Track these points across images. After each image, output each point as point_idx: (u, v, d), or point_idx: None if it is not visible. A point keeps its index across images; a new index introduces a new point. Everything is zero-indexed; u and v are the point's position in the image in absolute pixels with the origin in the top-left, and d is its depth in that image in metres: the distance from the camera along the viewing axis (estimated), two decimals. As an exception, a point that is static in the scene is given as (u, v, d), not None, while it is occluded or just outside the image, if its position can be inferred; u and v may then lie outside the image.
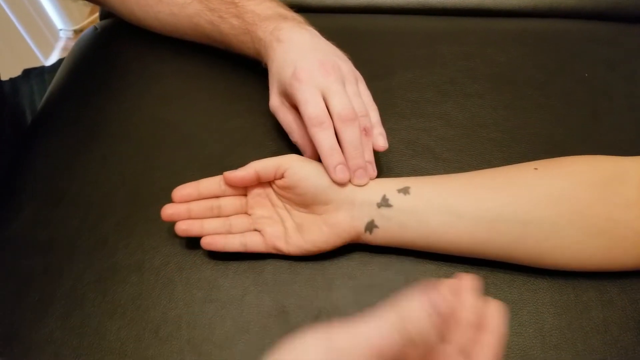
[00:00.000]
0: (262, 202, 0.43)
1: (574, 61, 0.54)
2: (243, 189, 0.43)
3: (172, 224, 0.43)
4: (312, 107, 0.41)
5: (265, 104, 0.53)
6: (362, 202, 0.40)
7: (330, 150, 0.40)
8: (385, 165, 0.47)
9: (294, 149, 0.47)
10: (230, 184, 0.42)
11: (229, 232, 0.42)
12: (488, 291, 0.40)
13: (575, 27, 0.57)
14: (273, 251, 0.42)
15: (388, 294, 0.40)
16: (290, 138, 0.47)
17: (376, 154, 0.46)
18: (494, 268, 0.41)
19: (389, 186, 0.41)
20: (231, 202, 0.43)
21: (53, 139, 0.53)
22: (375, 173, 0.42)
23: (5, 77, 0.66)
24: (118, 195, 0.47)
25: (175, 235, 0.44)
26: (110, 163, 0.50)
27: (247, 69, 0.56)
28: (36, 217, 0.47)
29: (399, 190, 0.40)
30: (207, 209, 0.43)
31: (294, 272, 0.42)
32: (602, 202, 0.38)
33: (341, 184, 0.40)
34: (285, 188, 0.41)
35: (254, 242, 0.42)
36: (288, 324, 0.39)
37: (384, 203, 0.40)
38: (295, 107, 0.45)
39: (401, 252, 0.42)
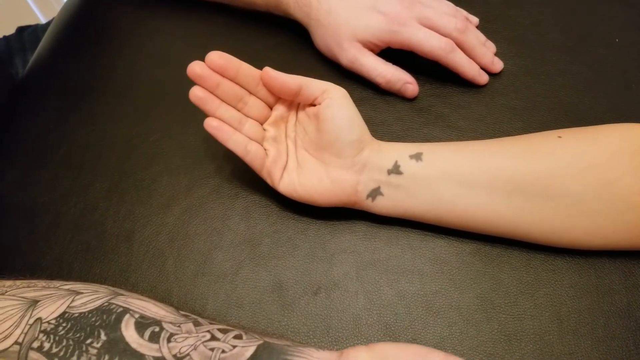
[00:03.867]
0: (278, 125, 0.40)
1: (604, 25, 0.49)
2: (273, 99, 0.40)
3: (164, 195, 0.41)
4: (435, 40, 0.43)
5: (265, 63, 0.49)
6: (373, 167, 0.37)
7: (470, 64, 0.45)
8: (395, 133, 0.44)
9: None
10: (266, 83, 0.38)
11: (239, 130, 0.38)
12: (502, 271, 0.37)
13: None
14: (265, 175, 0.38)
15: (393, 270, 0.38)
16: (378, 80, 0.45)
17: (388, 121, 0.45)
18: (509, 246, 0.38)
19: (402, 151, 0.37)
20: (259, 106, 0.39)
21: (42, 98, 0.50)
22: (501, 62, 0.47)
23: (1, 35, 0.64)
24: (109, 159, 0.45)
25: (168, 205, 0.41)
26: (102, 124, 0.47)
27: (246, 27, 0.52)
28: (22, 180, 0.44)
29: (411, 156, 0.37)
30: (236, 96, 0.38)
31: (292, 245, 0.39)
32: (632, 174, 0.34)
33: (484, 83, 0.46)
34: (313, 116, 0.38)
35: (256, 154, 0.38)
36: (284, 299, 0.37)
37: (395, 170, 0.37)
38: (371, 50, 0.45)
39: (408, 225, 0.39)
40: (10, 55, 0.63)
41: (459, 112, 0.45)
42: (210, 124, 0.37)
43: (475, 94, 0.46)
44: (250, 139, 0.38)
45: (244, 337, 0.29)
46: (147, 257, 0.39)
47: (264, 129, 0.40)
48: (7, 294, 0.29)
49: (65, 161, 0.45)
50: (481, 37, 0.47)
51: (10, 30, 0.67)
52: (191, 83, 0.49)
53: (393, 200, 0.37)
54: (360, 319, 0.36)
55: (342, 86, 0.47)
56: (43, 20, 1.32)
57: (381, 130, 0.44)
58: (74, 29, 0.56)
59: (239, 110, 0.39)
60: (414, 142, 0.43)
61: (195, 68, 0.37)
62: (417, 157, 0.37)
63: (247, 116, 0.39)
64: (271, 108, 0.40)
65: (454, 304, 0.36)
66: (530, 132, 0.39)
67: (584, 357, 0.34)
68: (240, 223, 0.40)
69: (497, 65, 0.46)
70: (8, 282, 0.30)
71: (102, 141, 0.45)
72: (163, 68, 0.50)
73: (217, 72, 0.37)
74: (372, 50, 0.45)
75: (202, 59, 0.51)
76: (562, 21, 0.50)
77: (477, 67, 0.45)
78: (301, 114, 0.39)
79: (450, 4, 0.47)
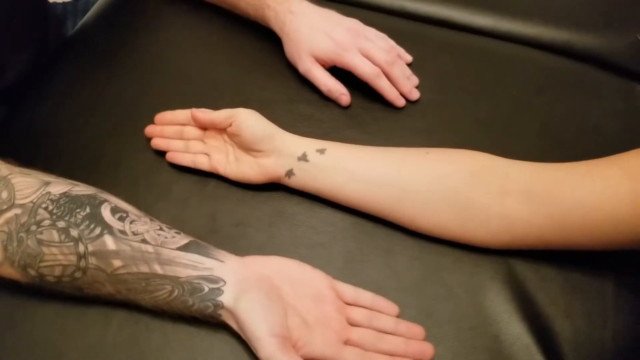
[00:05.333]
0: (216, 137, 0.56)
1: (508, 78, 0.63)
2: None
3: (148, 138, 0.57)
4: (367, 67, 0.58)
5: (254, 55, 0.65)
6: (287, 153, 0.52)
7: (391, 89, 0.59)
8: (326, 130, 0.59)
9: (274, 95, 0.61)
10: (194, 119, 0.55)
11: (186, 152, 0.55)
12: (367, 238, 0.51)
13: (517, 51, 0.65)
14: (214, 172, 0.54)
15: (294, 223, 0.53)
16: (322, 88, 0.60)
17: (323, 120, 0.59)
18: (378, 223, 0.52)
19: (311, 146, 0.52)
20: (193, 130, 0.56)
21: (80, 55, 0.67)
22: (418, 93, 0.60)
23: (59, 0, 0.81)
24: (117, 106, 0.61)
25: (148, 147, 0.57)
26: (119, 81, 0.63)
27: (239, 32, 0.68)
28: (50, 112, 0.61)
29: (317, 150, 0.51)
30: (176, 132, 0.56)
31: (229, 191, 0.54)
32: (470, 187, 0.47)
33: (401, 106, 0.60)
34: (232, 134, 0.53)
35: (201, 162, 0.55)
36: (213, 225, 0.52)
37: (303, 158, 0.51)
38: (323, 65, 0.60)
39: (313, 197, 0.53)
40: (65, 18, 0.80)
41: (377, 124, 0.59)
42: (168, 156, 0.56)
43: (392, 113, 0.60)
44: (197, 153, 0.55)
45: (182, 234, 0.45)
46: (126, 181, 0.55)
47: (205, 142, 0.56)
48: (31, 174, 0.45)
49: (87, 103, 0.61)
50: (407, 71, 0.61)
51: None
52: (190, 64, 0.64)
53: (302, 180, 0.52)
54: (263, 249, 0.50)
55: (298, 88, 0.62)
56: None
57: (317, 125, 0.59)
58: (116, 7, 0.72)
59: (182, 139, 0.56)
60: (336, 139, 0.57)
61: (148, 130, 0.57)
62: (322, 151, 0.51)
63: (189, 139, 0.56)
64: (206, 129, 0.56)
65: (326, 253, 0.51)
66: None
67: (411, 312, 0.48)
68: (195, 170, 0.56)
69: (414, 94, 0.61)
70: (31, 169, 0.46)
71: (115, 94, 0.62)
72: (170, 49, 0.66)
73: (165, 124, 0.57)
74: (322, 65, 0.60)
75: (205, 47, 0.67)
76: (476, 69, 0.64)
77: (396, 93, 0.59)
78: (227, 131, 0.54)
79: (390, 42, 0.61)
